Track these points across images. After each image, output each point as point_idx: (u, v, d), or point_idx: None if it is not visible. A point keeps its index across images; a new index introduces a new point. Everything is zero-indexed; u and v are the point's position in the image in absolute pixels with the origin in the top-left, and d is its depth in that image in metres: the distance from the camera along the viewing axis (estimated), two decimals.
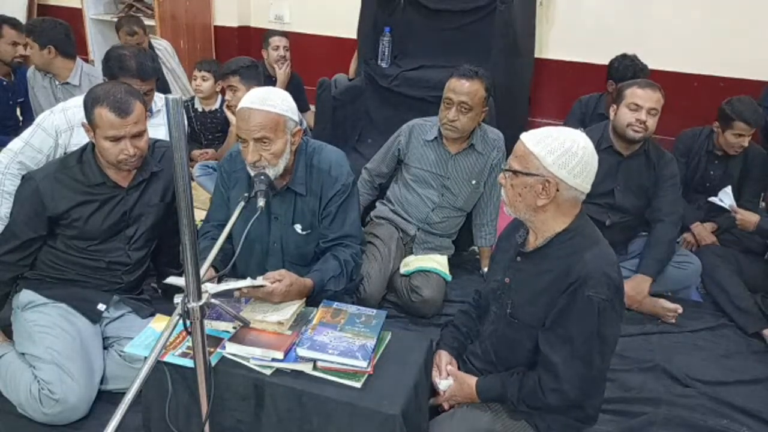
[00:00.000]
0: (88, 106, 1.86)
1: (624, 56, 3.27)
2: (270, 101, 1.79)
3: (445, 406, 1.73)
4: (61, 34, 2.99)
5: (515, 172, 1.51)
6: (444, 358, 1.77)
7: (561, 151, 1.46)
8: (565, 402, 1.54)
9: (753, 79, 3.74)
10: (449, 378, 1.72)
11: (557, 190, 1.48)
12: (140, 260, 2.11)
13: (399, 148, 2.70)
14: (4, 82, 3.49)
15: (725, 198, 2.81)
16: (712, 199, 2.84)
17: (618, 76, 3.25)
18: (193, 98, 3.70)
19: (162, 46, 4.16)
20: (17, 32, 3.33)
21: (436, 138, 2.61)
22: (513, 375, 1.61)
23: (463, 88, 2.45)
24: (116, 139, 1.85)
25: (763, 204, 3.14)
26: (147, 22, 4.61)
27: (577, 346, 1.48)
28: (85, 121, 1.89)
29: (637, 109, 2.46)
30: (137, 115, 1.86)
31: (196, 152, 3.65)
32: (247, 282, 1.62)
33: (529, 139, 1.50)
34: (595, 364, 1.51)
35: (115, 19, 4.69)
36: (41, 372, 1.85)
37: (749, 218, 2.70)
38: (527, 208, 1.52)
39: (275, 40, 3.97)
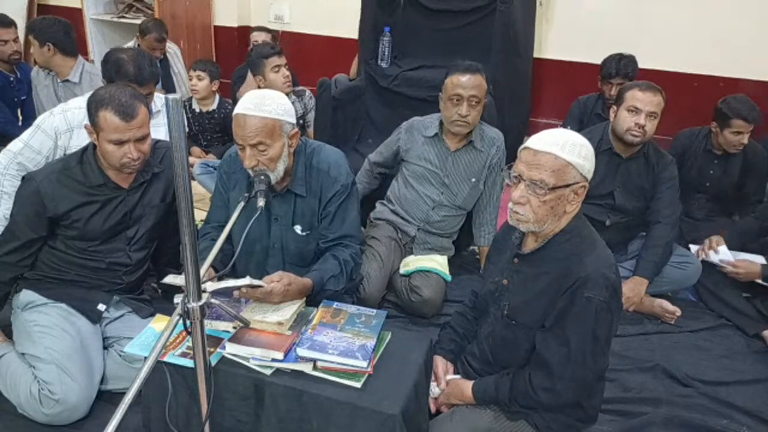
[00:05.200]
0: (92, 109, 1.85)
1: (614, 54, 3.29)
2: (265, 106, 1.78)
3: (443, 408, 1.73)
4: (60, 32, 2.99)
5: (553, 188, 1.45)
6: (440, 364, 1.78)
7: (590, 153, 1.48)
8: (557, 401, 1.54)
9: (753, 79, 3.74)
10: (441, 384, 1.74)
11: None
12: (141, 261, 2.11)
13: (399, 145, 2.71)
14: (11, 78, 3.49)
15: (723, 256, 2.72)
16: (711, 259, 2.73)
17: (604, 72, 3.28)
18: (190, 99, 3.69)
19: (172, 50, 4.17)
20: (6, 29, 3.34)
21: (436, 134, 2.62)
22: (503, 376, 1.61)
23: (470, 83, 2.46)
24: (120, 143, 1.85)
25: (766, 199, 3.14)
26: None
27: (573, 347, 1.49)
28: (88, 123, 1.89)
29: (637, 112, 2.45)
30: (141, 119, 1.86)
31: (196, 149, 3.64)
32: (246, 281, 1.62)
33: (559, 150, 1.44)
34: (589, 365, 1.51)
35: (116, 19, 4.71)
36: (41, 372, 1.85)
37: (752, 269, 2.64)
38: (554, 217, 1.50)
39: (254, 36, 4.15)
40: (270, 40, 4.12)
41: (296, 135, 1.88)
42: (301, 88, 3.61)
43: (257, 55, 3.25)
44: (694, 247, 2.84)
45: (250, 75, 3.90)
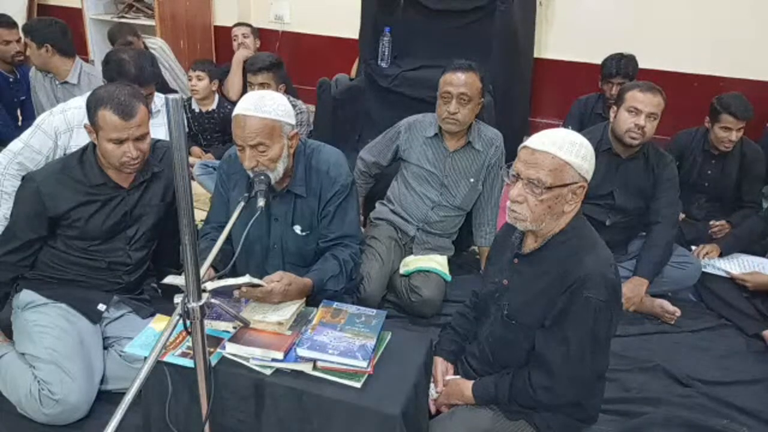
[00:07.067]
0: (91, 108, 1.85)
1: (614, 54, 3.29)
2: (265, 107, 1.78)
3: (443, 409, 1.73)
4: (58, 32, 2.99)
5: (550, 188, 1.45)
6: (439, 366, 1.78)
7: (590, 154, 1.48)
8: (557, 401, 1.55)
9: (753, 79, 3.74)
10: (438, 387, 1.75)
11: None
12: (141, 260, 2.11)
13: (398, 144, 2.70)
14: (11, 79, 3.49)
15: (728, 266, 2.73)
16: (710, 269, 2.74)
17: (604, 72, 3.28)
18: (190, 99, 3.69)
19: (157, 45, 4.15)
20: (9, 30, 3.34)
21: (436, 134, 2.62)
22: (503, 376, 1.61)
23: (460, 80, 2.46)
24: (119, 142, 1.85)
25: (766, 204, 3.13)
26: (147, 22, 4.63)
27: (572, 347, 1.49)
28: (87, 122, 1.89)
29: (637, 113, 2.45)
30: (140, 117, 1.86)
31: (196, 149, 3.64)
32: (246, 279, 1.62)
33: (557, 150, 1.44)
34: (588, 364, 1.51)
35: (116, 19, 4.71)
36: (41, 372, 1.85)
37: (759, 279, 2.64)
38: (552, 217, 1.50)
39: (234, 30, 4.25)
40: (250, 34, 4.22)
41: (296, 136, 1.88)
42: (295, 102, 3.59)
43: (246, 67, 3.24)
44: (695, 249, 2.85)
45: (233, 65, 3.94)
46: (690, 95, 3.72)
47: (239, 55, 4.02)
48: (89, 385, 1.89)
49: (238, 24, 4.32)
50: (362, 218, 2.83)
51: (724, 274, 2.73)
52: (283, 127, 1.82)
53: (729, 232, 2.91)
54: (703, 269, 2.73)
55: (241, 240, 1.67)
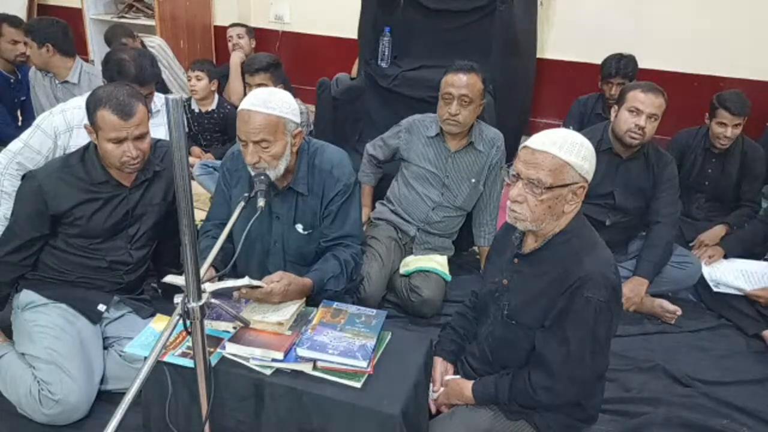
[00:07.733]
0: (91, 108, 1.85)
1: (614, 54, 3.30)
2: (271, 103, 1.79)
3: (443, 409, 1.73)
4: (59, 32, 3.00)
5: (550, 188, 1.45)
6: (439, 367, 1.78)
7: (590, 154, 1.48)
8: (557, 401, 1.55)
9: (753, 79, 3.74)
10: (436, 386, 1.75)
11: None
12: (141, 259, 2.11)
13: (399, 144, 2.71)
14: (11, 80, 3.49)
15: (738, 282, 2.68)
16: (722, 289, 2.68)
17: (604, 72, 3.30)
18: (189, 99, 3.68)
19: (155, 44, 4.14)
20: (16, 30, 3.34)
21: (437, 134, 2.62)
22: (503, 376, 1.61)
23: (461, 82, 2.46)
24: (119, 141, 1.85)
25: (765, 203, 3.13)
26: (147, 22, 4.63)
27: (572, 347, 1.49)
28: (87, 122, 1.90)
29: (638, 113, 2.45)
30: (140, 117, 1.87)
31: (196, 149, 3.64)
32: (245, 281, 1.62)
33: (557, 150, 1.44)
34: (588, 364, 1.51)
35: (116, 19, 4.71)
36: (41, 372, 1.85)
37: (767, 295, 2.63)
38: (552, 217, 1.50)
39: (228, 31, 4.27)
40: (245, 34, 4.22)
41: (300, 134, 1.89)
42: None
43: (244, 68, 3.25)
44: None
45: (231, 70, 3.92)
46: (690, 95, 3.72)
47: (236, 59, 4.01)
48: (89, 385, 1.89)
49: (233, 24, 4.31)
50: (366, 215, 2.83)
51: (738, 293, 2.66)
52: (287, 124, 1.82)
53: (731, 233, 2.90)
54: (716, 289, 2.67)
55: (242, 239, 1.67)
